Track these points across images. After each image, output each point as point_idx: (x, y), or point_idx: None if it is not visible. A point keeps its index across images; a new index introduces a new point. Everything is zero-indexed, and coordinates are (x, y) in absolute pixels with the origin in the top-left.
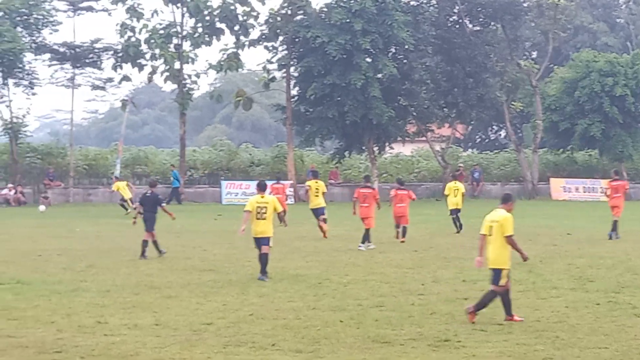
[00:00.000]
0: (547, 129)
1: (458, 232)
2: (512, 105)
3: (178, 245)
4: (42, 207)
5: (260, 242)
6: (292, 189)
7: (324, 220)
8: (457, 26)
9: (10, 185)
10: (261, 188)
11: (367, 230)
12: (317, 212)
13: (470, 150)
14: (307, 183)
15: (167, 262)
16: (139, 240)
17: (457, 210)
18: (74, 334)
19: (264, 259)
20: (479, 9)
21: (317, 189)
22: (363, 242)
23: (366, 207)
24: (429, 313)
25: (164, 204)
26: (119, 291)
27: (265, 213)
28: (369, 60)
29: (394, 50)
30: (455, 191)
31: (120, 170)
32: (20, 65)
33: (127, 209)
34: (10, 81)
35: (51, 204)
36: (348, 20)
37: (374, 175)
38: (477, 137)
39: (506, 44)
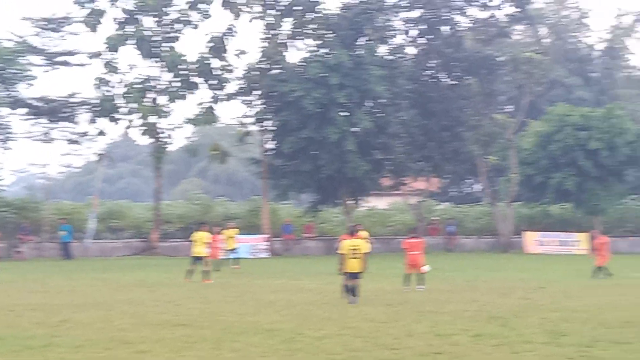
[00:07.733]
0: (521, 183)
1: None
2: (487, 158)
3: (152, 299)
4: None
5: (356, 276)
6: (267, 243)
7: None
8: (433, 80)
9: None
10: (351, 232)
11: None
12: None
13: (445, 203)
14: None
15: (140, 317)
16: (113, 294)
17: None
18: None
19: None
20: (454, 63)
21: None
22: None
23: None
24: None
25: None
26: (91, 346)
27: (358, 253)
28: (344, 114)
29: (369, 104)
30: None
31: (95, 224)
32: None
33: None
34: None
35: (26, 258)
36: (324, 75)
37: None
38: (452, 190)
39: (481, 97)
